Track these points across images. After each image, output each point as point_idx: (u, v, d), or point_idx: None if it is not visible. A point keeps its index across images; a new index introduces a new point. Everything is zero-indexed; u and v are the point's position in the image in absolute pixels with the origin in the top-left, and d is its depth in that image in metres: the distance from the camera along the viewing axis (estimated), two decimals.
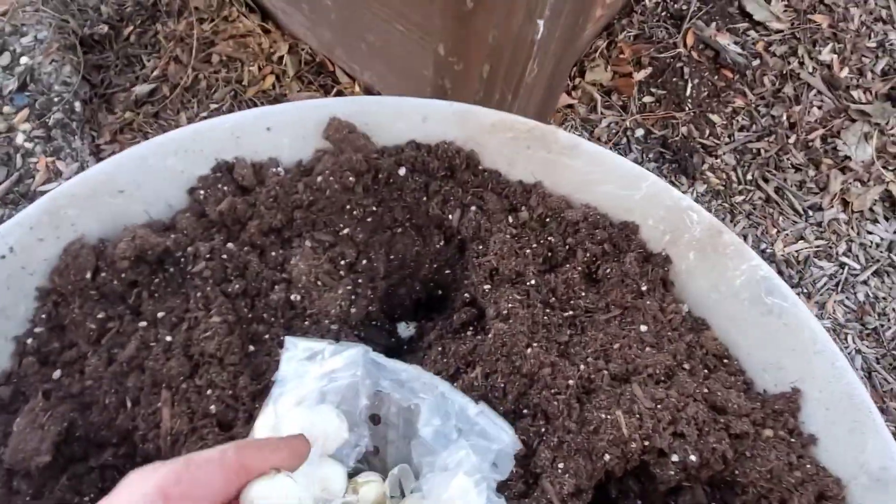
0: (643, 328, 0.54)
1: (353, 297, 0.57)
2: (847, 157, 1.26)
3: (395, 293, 0.62)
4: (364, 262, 0.59)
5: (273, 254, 0.56)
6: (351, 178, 0.57)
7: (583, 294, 0.56)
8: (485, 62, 0.80)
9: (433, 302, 0.64)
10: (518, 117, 0.59)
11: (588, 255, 0.57)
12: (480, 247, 0.57)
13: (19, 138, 1.09)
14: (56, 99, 1.11)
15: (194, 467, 0.32)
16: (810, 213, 1.21)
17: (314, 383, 0.45)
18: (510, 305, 0.54)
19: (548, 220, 0.59)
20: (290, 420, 0.44)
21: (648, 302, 0.55)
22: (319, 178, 0.57)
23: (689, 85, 1.28)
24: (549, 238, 0.58)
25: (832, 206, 1.22)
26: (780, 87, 1.32)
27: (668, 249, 0.57)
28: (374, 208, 0.59)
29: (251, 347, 0.54)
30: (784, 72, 1.33)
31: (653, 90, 1.28)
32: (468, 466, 0.38)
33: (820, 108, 1.30)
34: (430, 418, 0.40)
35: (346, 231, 0.58)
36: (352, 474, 0.47)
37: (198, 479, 0.32)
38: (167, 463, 0.32)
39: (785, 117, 1.30)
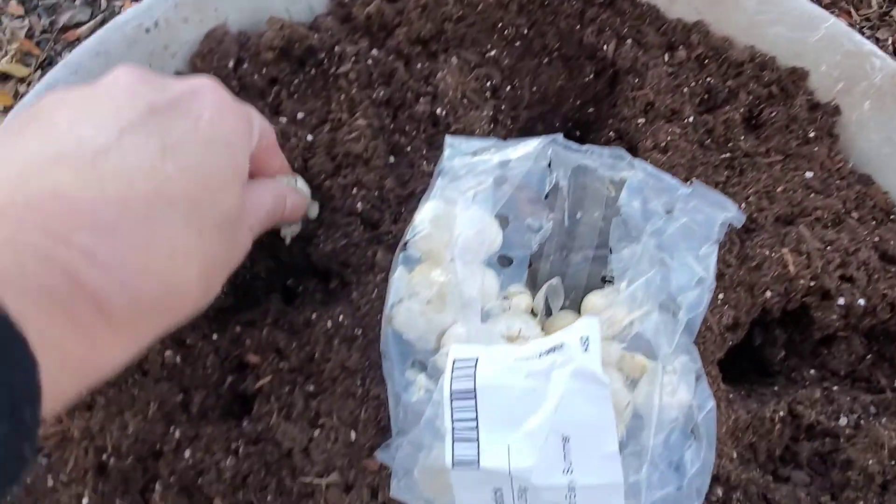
0: (809, 174, 0.51)
1: (494, 122, 0.54)
2: None
3: (532, 128, 0.59)
4: (508, 88, 0.55)
5: (419, 65, 0.53)
6: None
7: (742, 137, 0.53)
8: None
9: None
10: None
11: (751, 97, 0.53)
12: (636, 80, 0.54)
13: None
14: None
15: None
16: None
17: (485, 175, 0.42)
18: (668, 138, 0.51)
19: (707, 61, 0.55)
20: (459, 213, 0.42)
21: (816, 149, 0.52)
22: None
23: None
24: (708, 79, 0.54)
25: None
26: (888, 11, 1.25)
27: (839, 99, 0.53)
28: (526, 31, 0.55)
29: (391, 159, 0.52)
30: None
31: None
32: (695, 225, 0.36)
33: None
34: (631, 198, 0.37)
35: (493, 53, 0.55)
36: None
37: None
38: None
39: (890, 41, 1.23)
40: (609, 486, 0.33)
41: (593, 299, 0.44)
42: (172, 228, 0.29)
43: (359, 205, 0.48)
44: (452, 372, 0.35)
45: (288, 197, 0.43)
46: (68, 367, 0.25)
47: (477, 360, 0.35)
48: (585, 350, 0.33)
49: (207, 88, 0.34)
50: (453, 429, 0.34)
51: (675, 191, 0.37)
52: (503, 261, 0.42)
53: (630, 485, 0.34)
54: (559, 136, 0.41)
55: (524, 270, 0.42)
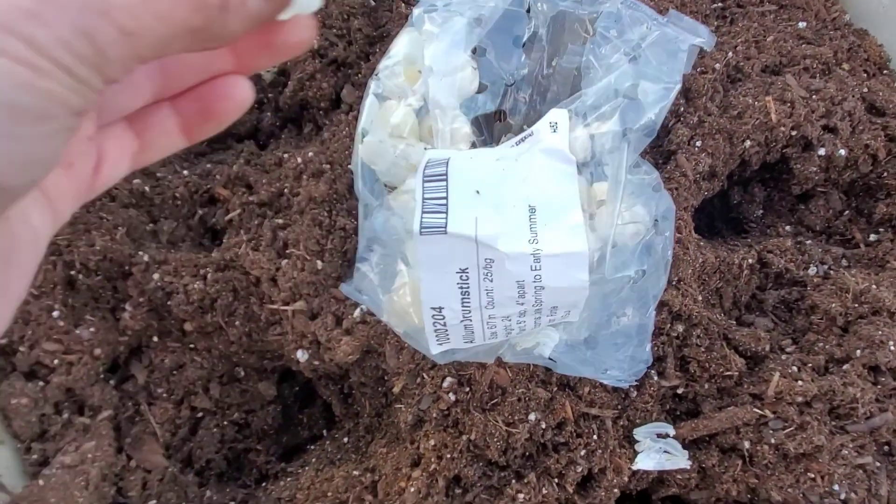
0: (802, 24, 0.49)
1: None
2: None
3: None
4: None
5: None
6: None
7: None
8: None
9: None
10: None
11: None
12: None
13: None
14: None
15: None
16: None
17: (463, 12, 0.40)
18: None
19: None
20: (433, 47, 0.41)
21: None
22: None
23: None
24: None
25: None
26: None
27: None
28: None
29: (372, 2, 0.50)
30: None
31: None
32: (663, 51, 0.35)
33: None
34: (608, 27, 0.36)
35: None
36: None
37: None
38: None
39: None
40: (574, 255, 0.33)
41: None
42: None
43: (325, 43, 0.47)
44: (425, 168, 0.36)
45: None
46: None
47: (449, 158, 0.36)
48: (554, 132, 0.34)
49: None
50: (423, 203, 0.35)
51: (651, 20, 0.36)
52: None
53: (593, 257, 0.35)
54: None
55: (497, 98, 0.41)
